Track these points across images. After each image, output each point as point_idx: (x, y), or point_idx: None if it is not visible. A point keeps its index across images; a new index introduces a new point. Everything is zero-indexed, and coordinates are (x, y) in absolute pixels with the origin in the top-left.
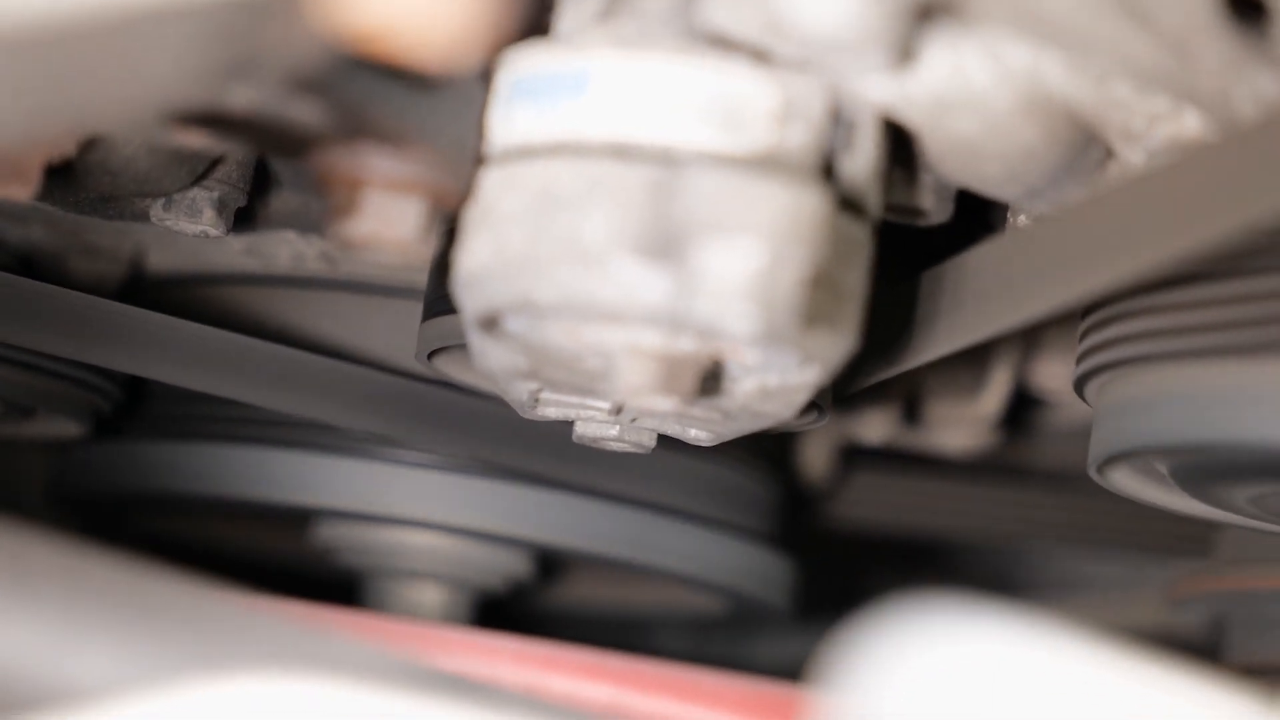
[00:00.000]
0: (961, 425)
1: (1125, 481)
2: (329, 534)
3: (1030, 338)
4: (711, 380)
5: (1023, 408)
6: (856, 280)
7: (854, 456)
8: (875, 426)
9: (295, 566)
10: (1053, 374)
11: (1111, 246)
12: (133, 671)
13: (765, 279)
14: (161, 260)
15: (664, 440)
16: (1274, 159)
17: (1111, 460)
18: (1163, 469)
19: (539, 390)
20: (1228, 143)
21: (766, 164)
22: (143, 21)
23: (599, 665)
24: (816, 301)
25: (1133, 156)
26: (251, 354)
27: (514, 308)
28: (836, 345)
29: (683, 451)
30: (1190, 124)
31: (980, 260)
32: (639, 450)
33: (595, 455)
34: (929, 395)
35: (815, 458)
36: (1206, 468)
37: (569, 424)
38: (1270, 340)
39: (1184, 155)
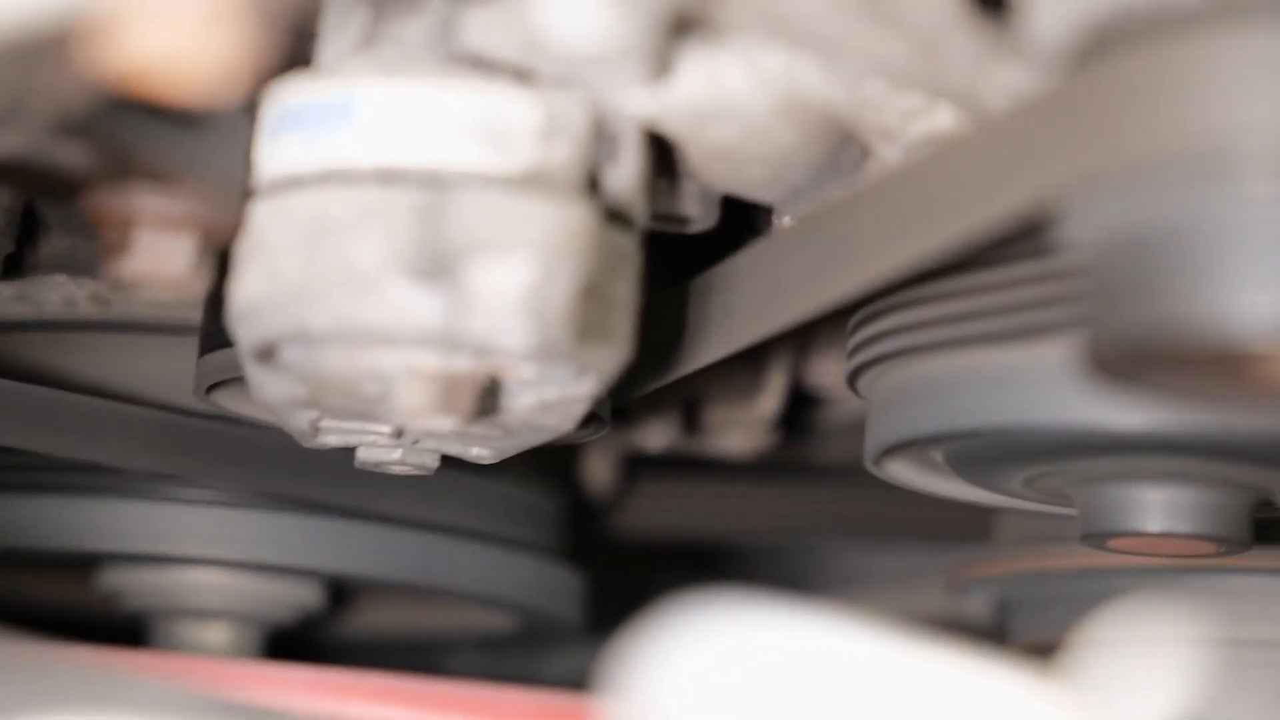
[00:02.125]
0: (740, 428)
1: (902, 472)
2: (112, 578)
3: (803, 336)
4: (490, 398)
5: (801, 406)
6: (627, 290)
7: (638, 465)
8: (656, 434)
9: (79, 614)
10: (827, 371)
11: (872, 242)
12: None
13: (536, 294)
14: None
15: (447, 460)
16: (1023, 148)
17: (887, 452)
18: (938, 457)
19: (319, 419)
20: (978, 134)
21: (533, 181)
22: None
23: (391, 688)
24: (588, 313)
25: (889, 153)
26: (26, 400)
27: (289, 337)
28: (611, 356)
29: (466, 470)
30: (943, 119)
31: (746, 264)
32: (422, 472)
33: (379, 480)
34: (707, 400)
35: (598, 469)
36: (980, 453)
37: (351, 450)
38: (1033, 324)
39: (936, 149)
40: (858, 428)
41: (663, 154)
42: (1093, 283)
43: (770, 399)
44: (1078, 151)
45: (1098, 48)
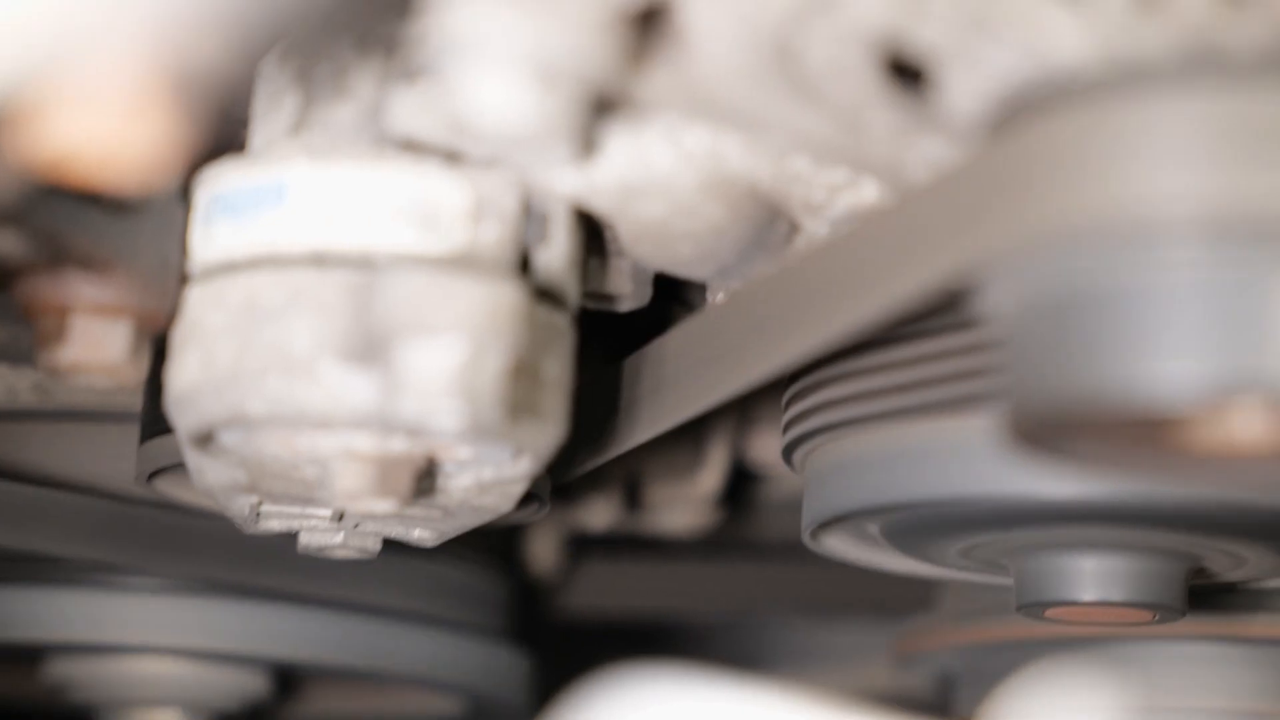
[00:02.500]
0: (683, 505)
1: (839, 545)
2: (58, 669)
3: (743, 411)
4: (428, 479)
5: (744, 482)
6: (560, 368)
7: (583, 545)
8: (599, 513)
9: (27, 705)
10: (767, 447)
11: (801, 316)
12: None
13: (467, 373)
14: None
15: (391, 543)
16: (943, 220)
17: (823, 525)
18: (873, 530)
19: (260, 504)
20: (899, 207)
21: (463, 261)
22: None
23: None
24: (520, 392)
25: (817, 228)
26: None
27: (227, 422)
28: (545, 434)
29: (411, 554)
30: (868, 193)
31: (678, 341)
32: (364, 556)
33: (324, 565)
34: (649, 477)
35: (543, 550)
36: (915, 525)
37: (294, 536)
38: (963, 395)
39: (859, 223)
40: (799, 503)
41: (593, 232)
42: (1013, 352)
43: (711, 476)
44: (995, 221)
45: (1013, 118)
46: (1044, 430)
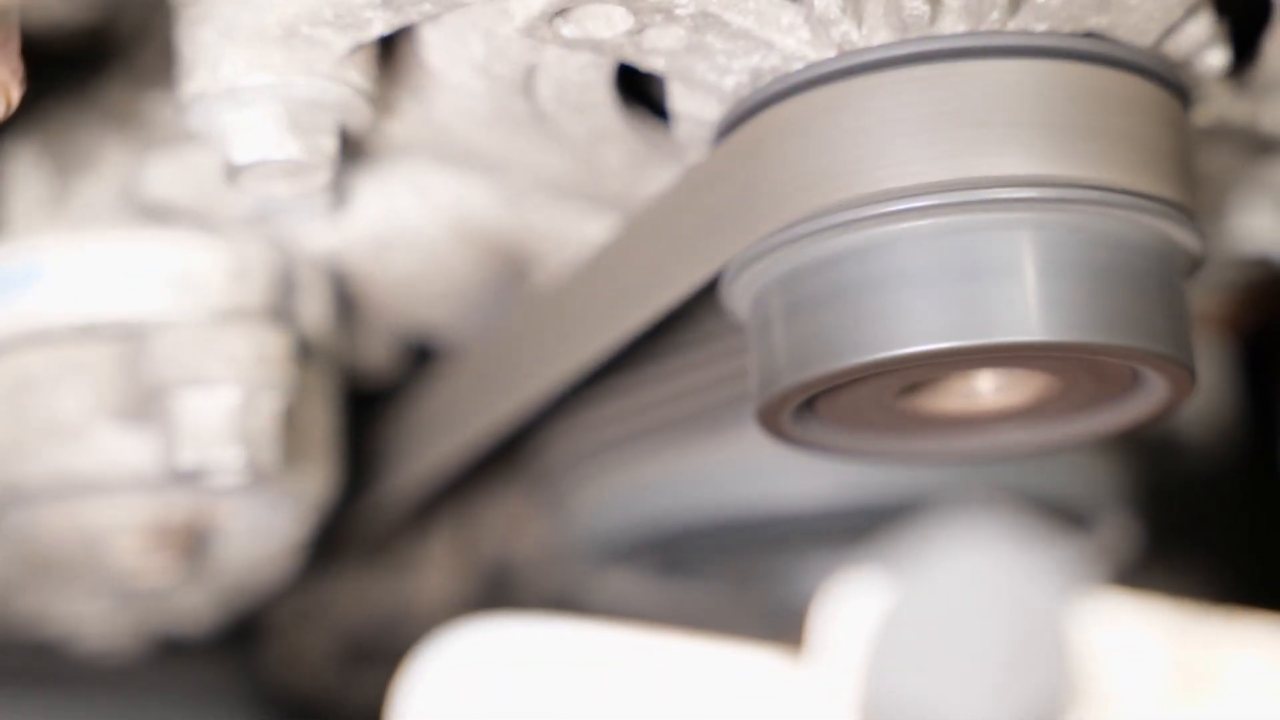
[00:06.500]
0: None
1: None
2: None
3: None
4: (205, 544)
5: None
6: (327, 421)
7: (358, 655)
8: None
9: None
10: (529, 538)
11: (531, 361)
12: None
13: (241, 419)
14: None
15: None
16: (674, 233)
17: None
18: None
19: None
20: (628, 232)
21: (227, 318)
22: None
23: None
24: (292, 439)
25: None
26: None
27: (7, 498)
28: (319, 481)
29: (178, 665)
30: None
31: (425, 397)
32: (137, 652)
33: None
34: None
35: (317, 660)
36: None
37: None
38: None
39: (592, 254)
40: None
41: (350, 301)
42: (757, 342)
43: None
44: (731, 218)
45: (742, 122)
46: (789, 417)
